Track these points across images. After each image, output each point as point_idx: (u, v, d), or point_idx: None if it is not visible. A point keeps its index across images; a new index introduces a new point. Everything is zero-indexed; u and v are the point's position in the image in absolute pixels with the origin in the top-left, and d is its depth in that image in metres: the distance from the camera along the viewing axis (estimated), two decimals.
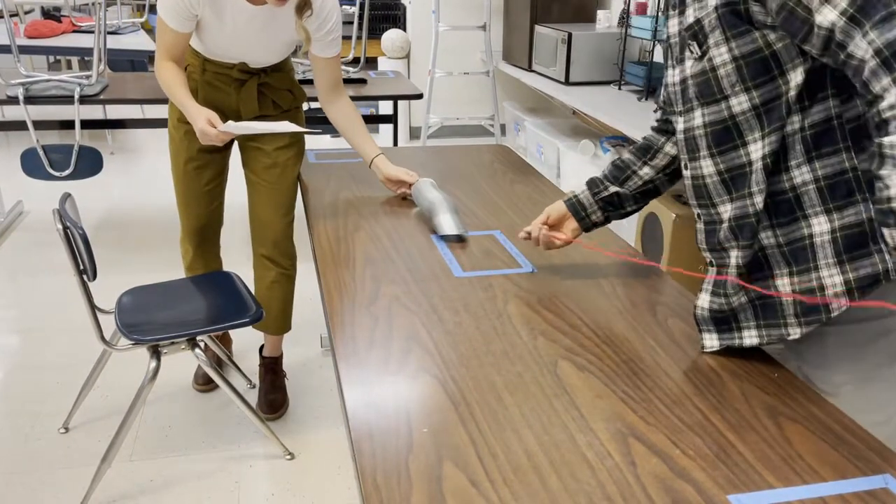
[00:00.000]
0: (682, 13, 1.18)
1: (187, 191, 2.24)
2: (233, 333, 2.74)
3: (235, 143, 2.26)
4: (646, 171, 1.46)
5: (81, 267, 1.86)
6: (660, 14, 3.77)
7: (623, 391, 1.17)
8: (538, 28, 4.47)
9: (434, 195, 1.85)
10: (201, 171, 2.22)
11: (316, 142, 5.32)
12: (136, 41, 4.84)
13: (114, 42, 4.76)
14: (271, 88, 2.14)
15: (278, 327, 2.38)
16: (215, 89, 2.11)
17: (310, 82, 3.53)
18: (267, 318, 2.33)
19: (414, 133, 5.72)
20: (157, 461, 2.15)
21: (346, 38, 6.37)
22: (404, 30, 5.60)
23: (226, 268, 2.48)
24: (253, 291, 2.24)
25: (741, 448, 1.04)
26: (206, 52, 2.05)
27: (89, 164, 3.31)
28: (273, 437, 2.18)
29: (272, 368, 2.44)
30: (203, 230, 2.32)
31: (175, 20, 1.89)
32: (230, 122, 1.87)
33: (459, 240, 1.76)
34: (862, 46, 0.93)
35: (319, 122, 3.67)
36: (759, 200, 1.13)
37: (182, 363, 2.61)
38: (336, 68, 2.10)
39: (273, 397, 2.39)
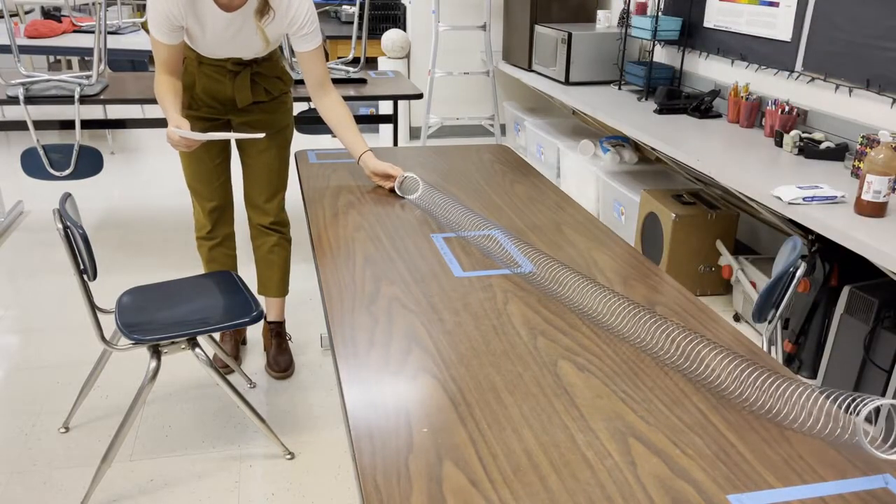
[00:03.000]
0: None
1: (198, 170, 2.37)
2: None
3: (230, 125, 2.41)
4: None
5: (81, 267, 1.86)
6: (659, 14, 3.77)
7: (623, 391, 1.17)
8: (538, 28, 4.47)
9: (434, 197, 1.89)
10: (209, 147, 2.34)
11: (316, 142, 5.32)
12: (136, 41, 4.84)
13: (114, 42, 4.76)
14: (263, 77, 2.29)
15: (281, 290, 2.59)
16: (212, 80, 2.24)
17: None
18: (269, 281, 2.56)
19: (414, 133, 5.72)
20: (157, 461, 2.15)
21: (346, 38, 6.37)
22: (404, 30, 5.59)
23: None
24: (253, 261, 2.54)
25: (741, 448, 1.04)
26: (200, 51, 2.19)
27: (89, 163, 3.31)
28: (273, 437, 2.18)
29: (278, 332, 2.63)
30: (217, 206, 2.46)
31: (164, 35, 2.03)
32: (190, 132, 2.00)
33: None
34: None
35: (315, 121, 3.67)
36: None
37: (182, 363, 2.61)
38: (320, 62, 2.17)
39: (281, 358, 2.59)
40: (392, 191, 2.11)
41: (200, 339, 2.03)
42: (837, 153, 2.72)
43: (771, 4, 3.14)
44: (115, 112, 5.66)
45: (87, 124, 3.40)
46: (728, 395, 1.16)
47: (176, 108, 2.04)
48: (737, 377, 1.21)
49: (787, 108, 2.95)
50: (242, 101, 2.26)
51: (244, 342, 2.76)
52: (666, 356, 1.27)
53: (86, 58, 5.42)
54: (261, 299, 2.79)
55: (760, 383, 1.19)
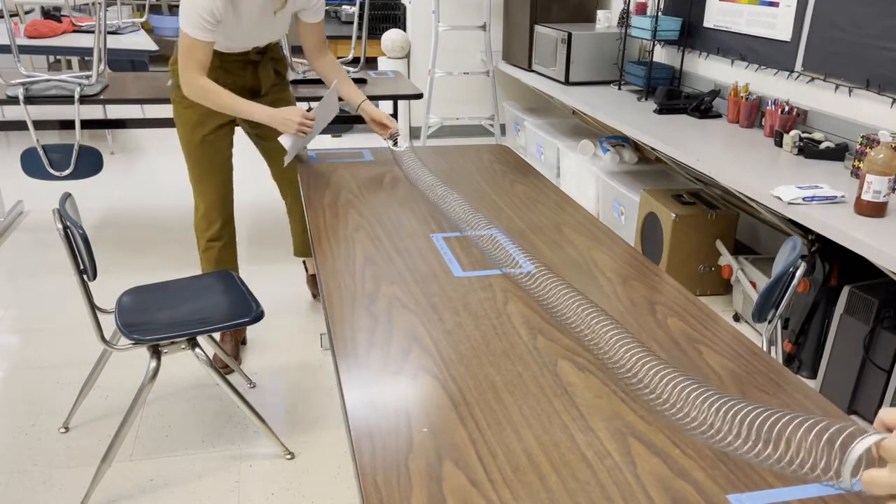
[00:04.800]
0: None
1: (214, 159, 2.46)
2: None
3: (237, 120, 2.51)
4: None
5: (81, 267, 1.86)
6: (659, 14, 3.77)
7: (623, 391, 1.17)
8: (538, 28, 4.47)
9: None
10: (223, 138, 2.45)
11: (316, 142, 5.32)
12: (136, 41, 4.84)
13: (114, 42, 4.76)
14: (274, 60, 2.48)
15: None
16: (230, 73, 2.34)
17: (311, 82, 3.54)
18: (306, 243, 2.85)
19: (414, 133, 5.72)
20: (157, 461, 2.15)
21: (346, 38, 6.35)
22: (404, 30, 5.59)
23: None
24: (292, 234, 2.83)
25: None
26: (223, 48, 2.28)
27: (89, 163, 3.31)
28: (273, 436, 2.18)
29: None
30: (226, 200, 2.54)
31: (207, 33, 2.08)
32: (306, 112, 2.18)
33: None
34: None
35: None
36: None
37: (182, 363, 2.61)
38: (321, 31, 2.42)
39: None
40: (387, 138, 2.38)
41: (200, 339, 2.03)
42: (837, 153, 2.72)
43: (771, 4, 3.14)
44: (115, 112, 5.65)
45: (87, 124, 3.39)
46: (709, 438, 1.16)
47: (253, 102, 2.18)
48: (725, 421, 1.21)
49: (786, 108, 2.95)
50: (267, 84, 2.42)
51: (244, 342, 2.76)
52: (655, 401, 1.27)
53: (86, 58, 5.42)
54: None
55: (748, 425, 1.18)
